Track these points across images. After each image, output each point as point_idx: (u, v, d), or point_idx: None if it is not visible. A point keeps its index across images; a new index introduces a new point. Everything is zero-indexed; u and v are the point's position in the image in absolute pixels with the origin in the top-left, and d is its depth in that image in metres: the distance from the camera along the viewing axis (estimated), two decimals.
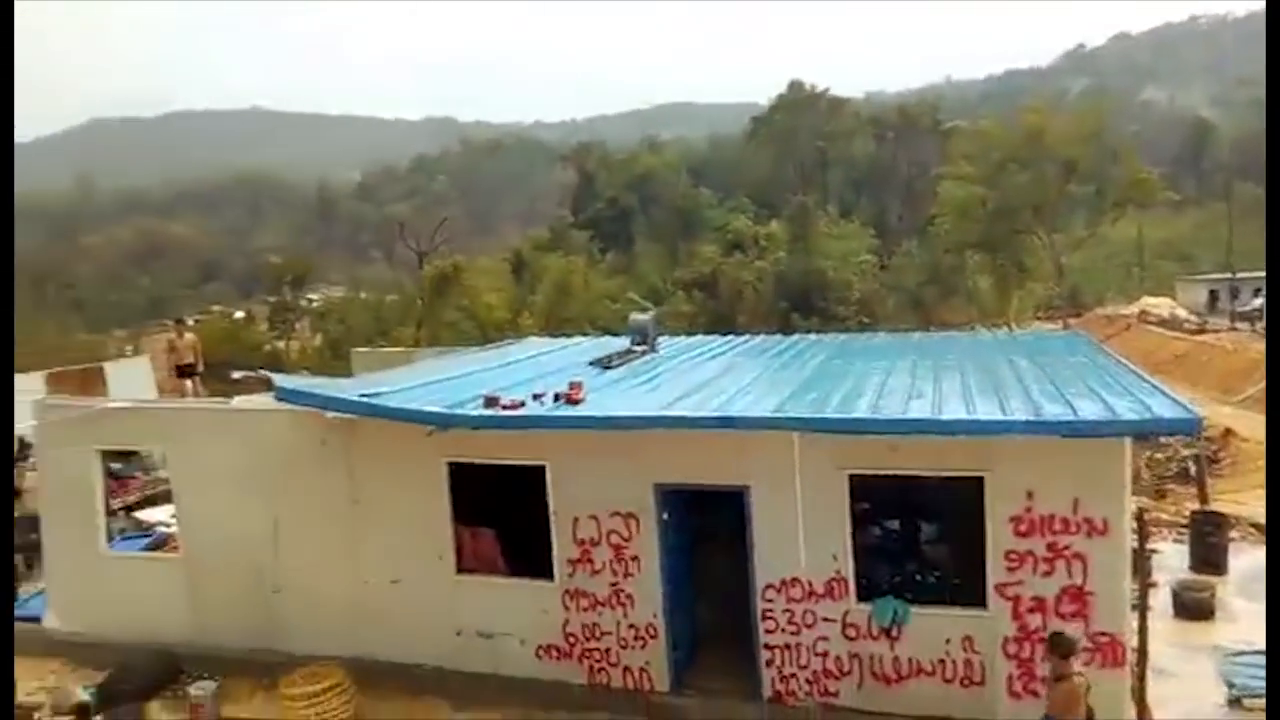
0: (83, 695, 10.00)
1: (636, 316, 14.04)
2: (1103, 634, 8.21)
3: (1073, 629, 8.07)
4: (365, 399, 9.22)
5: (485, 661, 9.95)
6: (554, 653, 9.81)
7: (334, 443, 10.16)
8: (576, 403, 9.10)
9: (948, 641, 8.67)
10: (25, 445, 13.91)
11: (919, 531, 9.85)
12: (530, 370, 11.57)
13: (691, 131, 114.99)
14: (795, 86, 68.46)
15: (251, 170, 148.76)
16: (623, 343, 13.59)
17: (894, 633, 8.82)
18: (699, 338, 15.86)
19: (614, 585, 9.53)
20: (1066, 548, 8.23)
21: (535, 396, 9.27)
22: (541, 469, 9.59)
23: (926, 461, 8.49)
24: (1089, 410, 7.82)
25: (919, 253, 48.93)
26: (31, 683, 10.64)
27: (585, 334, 24.05)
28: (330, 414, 9.68)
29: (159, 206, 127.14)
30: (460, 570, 10.10)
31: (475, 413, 8.89)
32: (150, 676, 10.39)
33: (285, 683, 9.50)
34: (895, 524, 9.99)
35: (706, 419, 8.48)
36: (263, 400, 10.68)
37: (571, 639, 9.74)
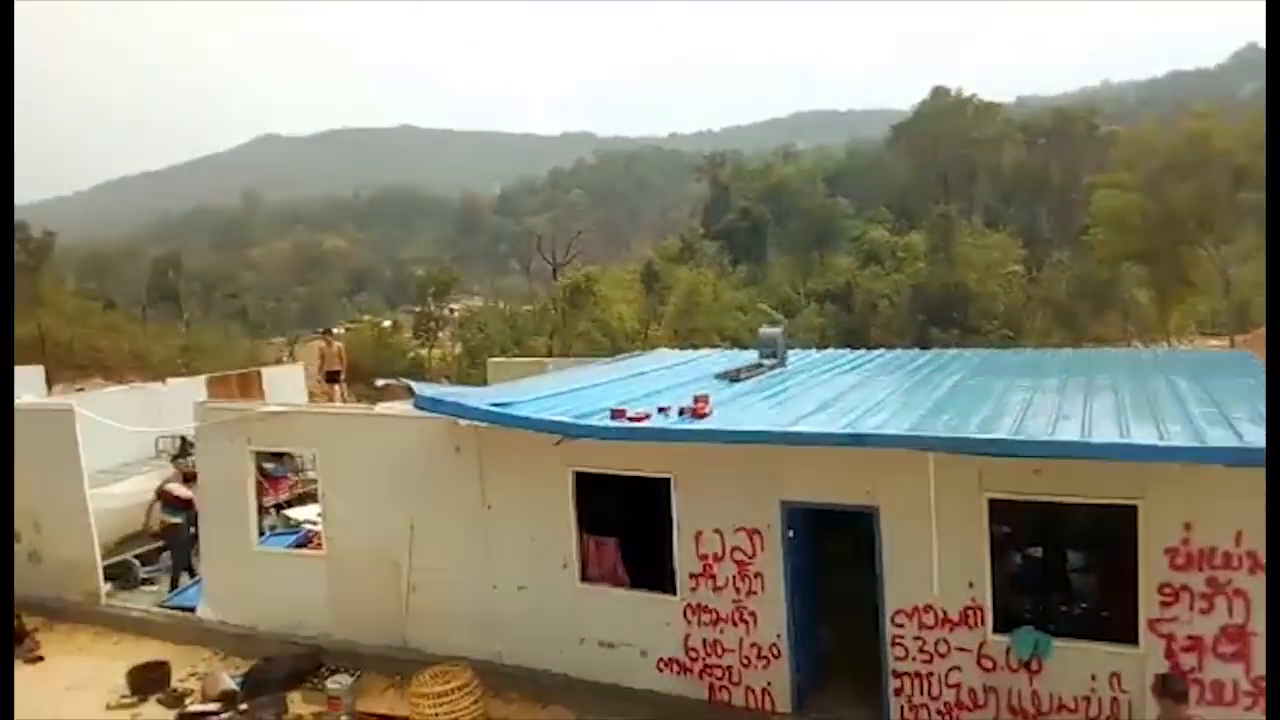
0: (230, 684, 10.61)
1: (766, 329, 13.86)
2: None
3: (1232, 671, 7.46)
4: (495, 408, 9.42)
5: (608, 671, 9.99)
6: (675, 667, 9.75)
7: (468, 450, 10.45)
8: (702, 416, 9.02)
9: (1093, 678, 8.14)
10: (188, 444, 14.91)
11: (1064, 560, 9.28)
12: (657, 382, 11.57)
13: (831, 140, 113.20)
14: (940, 92, 66.40)
15: (401, 185, 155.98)
16: (751, 356, 13.44)
17: (1034, 666, 8.34)
18: (830, 351, 15.52)
19: (736, 602, 9.40)
20: (1228, 583, 7.61)
21: (661, 409, 9.25)
22: (666, 482, 9.56)
23: (1074, 487, 8.01)
24: (1256, 437, 7.18)
25: (1071, 264, 46.45)
26: (184, 669, 11.35)
27: (714, 346, 23.95)
28: (464, 422, 9.97)
29: (317, 219, 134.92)
30: (584, 579, 10.18)
31: (601, 424, 8.94)
32: (293, 668, 10.89)
33: (416, 681, 9.75)
34: (1038, 551, 9.44)
35: (835, 435, 8.24)
36: (403, 407, 11.09)
37: (693, 654, 9.66)
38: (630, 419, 8.95)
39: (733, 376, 11.58)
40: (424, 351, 48.88)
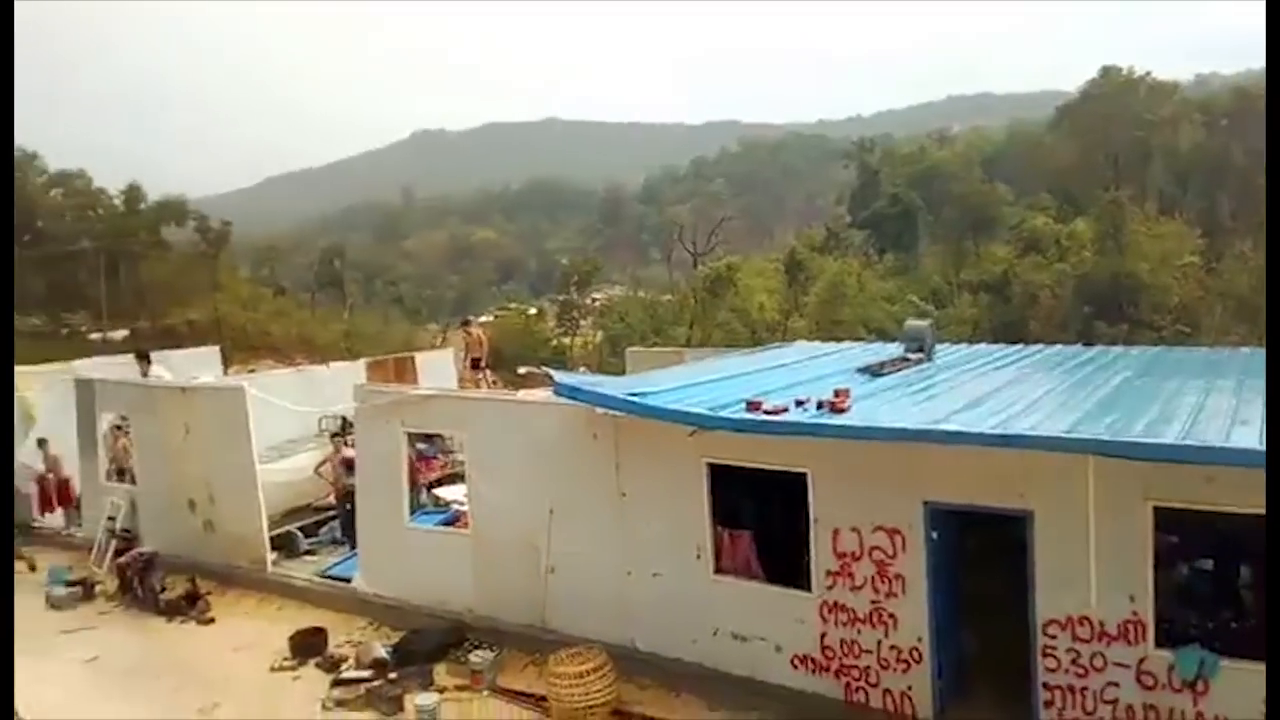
0: (382, 653, 11.14)
1: (912, 322, 13.41)
2: None
3: None
4: (631, 398, 9.49)
5: (740, 664, 9.93)
6: (810, 664, 9.58)
7: (604, 437, 10.57)
8: (841, 411, 8.80)
9: (1264, 702, 7.49)
10: (348, 424, 15.76)
11: (1236, 574, 8.57)
12: (797, 374, 11.38)
13: (988, 123, 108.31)
14: (1109, 71, 62.32)
15: (548, 177, 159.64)
16: (896, 349, 13.04)
17: (1199, 686, 7.76)
18: (983, 346, 14.86)
19: (875, 603, 9.14)
20: None
21: (798, 402, 9.08)
22: (802, 476, 9.39)
23: (1250, 497, 7.34)
24: None
25: (1254, 255, 42.77)
26: (340, 636, 12.00)
27: (858, 338, 23.38)
28: (601, 410, 10.10)
29: (469, 212, 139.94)
30: (718, 571, 10.14)
31: (736, 415, 8.86)
32: (439, 641, 11.31)
33: (553, 661, 9.96)
34: (1207, 564, 8.75)
35: (983, 435, 7.87)
36: (544, 394, 11.35)
37: (829, 653, 9.47)
38: (766, 411, 8.84)
39: (875, 370, 11.26)
40: (566, 339, 49.99)
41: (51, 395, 17.84)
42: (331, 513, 15.45)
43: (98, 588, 14.33)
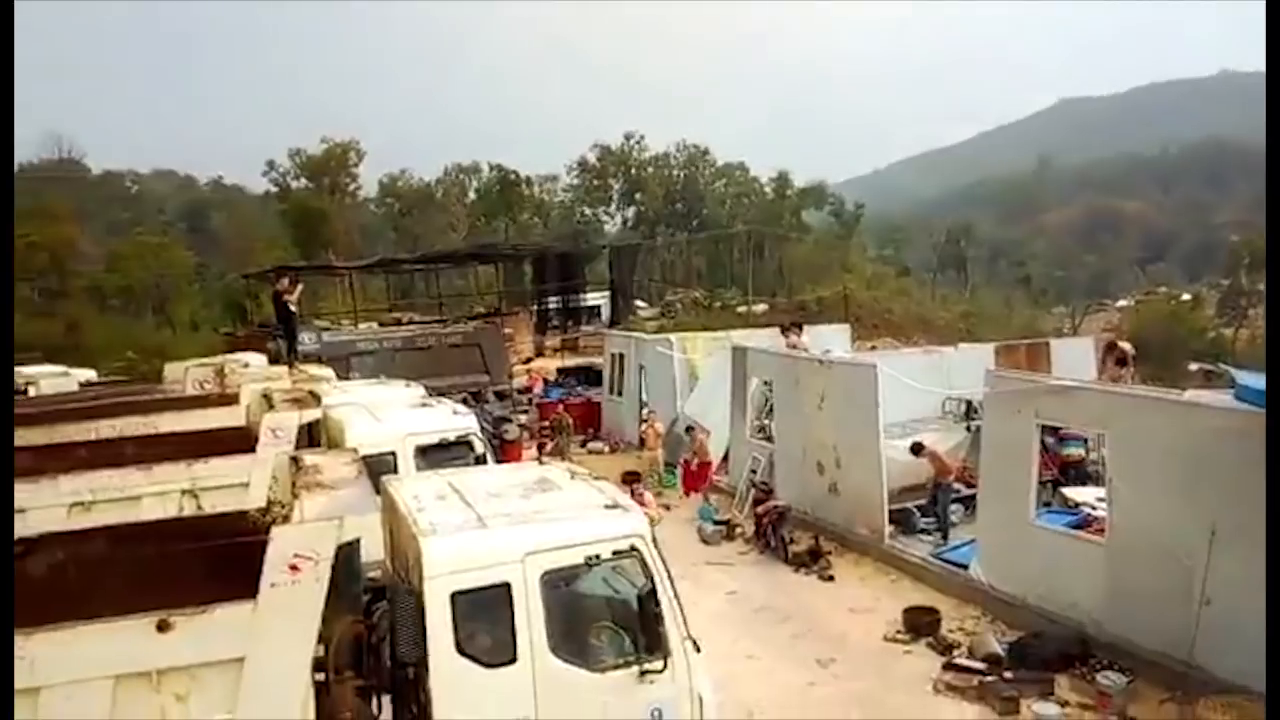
0: (997, 648, 10.66)
1: None
2: None
3: None
4: None
5: None
6: None
7: None
8: None
9: None
10: (973, 409, 15.33)
11: None
12: None
13: None
14: None
15: (1218, 139, 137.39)
16: None
17: None
18: None
19: None
20: None
21: None
22: None
23: None
24: None
25: None
26: (952, 622, 11.78)
27: None
28: None
29: (1113, 183, 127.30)
30: None
31: None
32: (1060, 650, 10.48)
33: (1207, 705, 8.61)
34: None
35: None
36: (1217, 397, 9.70)
37: None
38: None
39: None
40: (1228, 331, 42.85)
41: (711, 359, 20.68)
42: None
43: (737, 530, 16.18)
